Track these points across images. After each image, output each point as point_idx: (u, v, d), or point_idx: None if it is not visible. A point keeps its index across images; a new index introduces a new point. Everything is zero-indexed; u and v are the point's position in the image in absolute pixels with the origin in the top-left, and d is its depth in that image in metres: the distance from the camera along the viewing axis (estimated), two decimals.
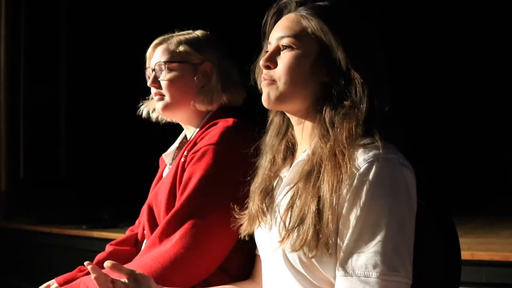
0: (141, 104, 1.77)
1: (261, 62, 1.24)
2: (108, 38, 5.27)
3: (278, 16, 1.28)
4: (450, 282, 1.27)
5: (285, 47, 1.22)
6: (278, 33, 1.24)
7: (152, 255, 1.45)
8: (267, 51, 1.25)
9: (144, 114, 1.77)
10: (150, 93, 1.73)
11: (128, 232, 1.82)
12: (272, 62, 1.23)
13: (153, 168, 1.85)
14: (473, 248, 2.63)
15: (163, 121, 1.79)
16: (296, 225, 1.13)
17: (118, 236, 2.04)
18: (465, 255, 2.40)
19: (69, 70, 5.36)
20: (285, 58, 1.21)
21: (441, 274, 1.25)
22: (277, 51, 1.23)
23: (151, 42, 1.71)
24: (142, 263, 1.45)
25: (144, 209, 1.73)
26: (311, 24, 1.20)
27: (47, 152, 5.29)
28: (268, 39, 1.28)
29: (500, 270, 2.53)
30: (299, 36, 1.21)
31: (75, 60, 5.33)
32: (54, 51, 5.32)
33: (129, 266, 1.49)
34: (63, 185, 5.28)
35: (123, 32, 5.18)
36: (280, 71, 1.21)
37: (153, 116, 1.77)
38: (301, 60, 1.20)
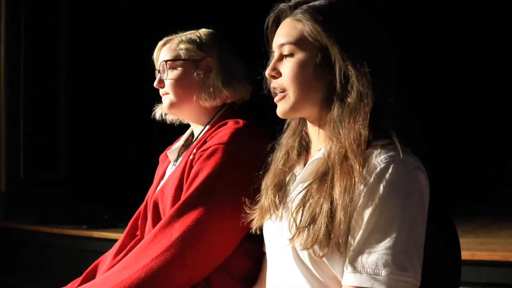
0: (155, 107, 1.77)
1: (266, 72, 1.28)
2: (108, 38, 5.27)
3: (278, 22, 1.30)
4: (450, 282, 1.27)
5: (286, 55, 1.25)
6: (278, 41, 1.26)
7: (151, 254, 1.43)
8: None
9: (157, 117, 1.77)
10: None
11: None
12: (276, 72, 1.26)
13: (153, 168, 1.85)
14: (473, 248, 2.63)
15: (178, 123, 1.80)
16: (307, 224, 1.15)
17: (118, 236, 2.04)
18: (465, 255, 2.40)
19: (69, 70, 5.36)
20: (288, 67, 1.24)
21: (441, 274, 1.25)
22: (280, 59, 1.26)
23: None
24: (139, 265, 1.42)
25: (141, 209, 1.72)
26: (306, 27, 1.22)
27: (47, 152, 5.29)
28: (271, 46, 1.30)
29: (500, 270, 2.53)
30: (298, 42, 1.23)
31: (75, 60, 5.33)
32: (54, 51, 5.32)
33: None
34: (63, 185, 5.28)
35: (123, 33, 5.17)
36: (286, 80, 1.24)
37: (168, 118, 1.78)
38: (304, 65, 1.22)
